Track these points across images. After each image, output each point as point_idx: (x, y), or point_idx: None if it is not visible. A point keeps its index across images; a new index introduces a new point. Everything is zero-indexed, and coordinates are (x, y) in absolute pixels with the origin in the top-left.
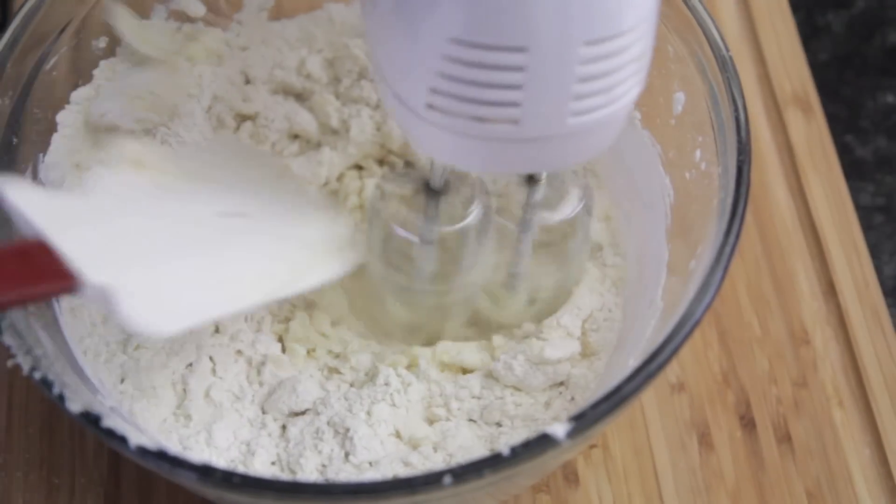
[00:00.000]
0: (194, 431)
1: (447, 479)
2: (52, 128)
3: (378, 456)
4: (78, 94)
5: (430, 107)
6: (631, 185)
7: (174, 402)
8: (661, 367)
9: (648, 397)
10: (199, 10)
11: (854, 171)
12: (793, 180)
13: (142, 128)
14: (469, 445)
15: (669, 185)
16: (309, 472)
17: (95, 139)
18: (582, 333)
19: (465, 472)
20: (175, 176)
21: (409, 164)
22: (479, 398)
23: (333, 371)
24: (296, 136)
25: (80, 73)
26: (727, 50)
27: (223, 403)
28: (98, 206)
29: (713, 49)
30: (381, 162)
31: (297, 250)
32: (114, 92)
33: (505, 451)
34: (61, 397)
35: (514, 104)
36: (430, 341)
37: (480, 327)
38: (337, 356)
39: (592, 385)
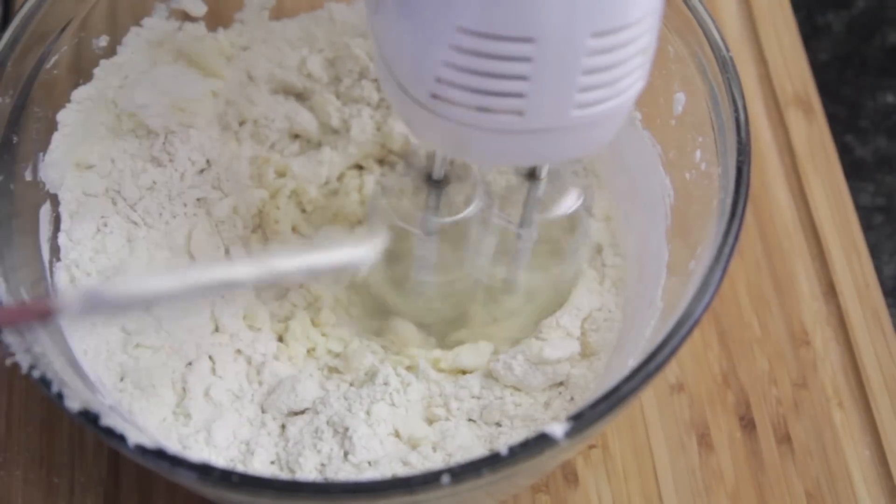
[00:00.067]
0: (194, 430)
1: (446, 479)
2: (52, 127)
3: (377, 455)
4: (78, 93)
5: (435, 97)
6: (631, 185)
7: (174, 401)
8: (660, 367)
9: (648, 397)
10: (199, 9)
11: (854, 171)
12: (793, 180)
13: (161, 127)
14: (468, 445)
15: (669, 186)
16: (308, 472)
17: (117, 123)
18: (581, 333)
19: (464, 472)
20: None
21: (409, 163)
22: (478, 398)
23: (333, 370)
24: (296, 136)
25: (81, 72)
26: (727, 50)
27: (223, 402)
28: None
29: (714, 49)
30: (381, 161)
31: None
32: (150, 84)
33: (503, 450)
34: (60, 396)
35: (519, 95)
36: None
37: (479, 326)
38: (337, 356)
39: (592, 385)
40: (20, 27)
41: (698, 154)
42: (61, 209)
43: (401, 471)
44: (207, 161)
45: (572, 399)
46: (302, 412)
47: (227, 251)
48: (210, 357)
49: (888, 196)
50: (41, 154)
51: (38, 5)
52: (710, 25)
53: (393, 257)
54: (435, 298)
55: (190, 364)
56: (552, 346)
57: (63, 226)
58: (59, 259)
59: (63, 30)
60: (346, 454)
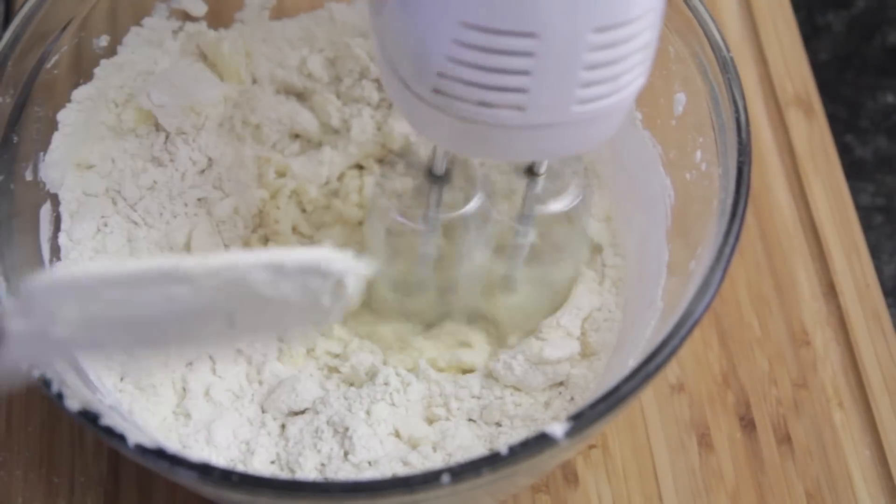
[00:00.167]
0: (194, 430)
1: (445, 479)
2: (52, 126)
3: (377, 455)
4: (79, 93)
5: (438, 92)
6: (632, 185)
7: (174, 401)
8: (660, 367)
9: (648, 398)
10: (200, 9)
11: (854, 171)
12: (793, 181)
13: (174, 128)
14: (468, 445)
15: (670, 186)
16: (308, 471)
17: (118, 123)
18: (581, 333)
19: (464, 472)
20: None
21: (409, 161)
22: (478, 398)
23: (333, 370)
24: (297, 136)
25: (81, 72)
26: (728, 50)
27: (223, 402)
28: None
29: (714, 50)
30: (381, 161)
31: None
32: (168, 85)
33: (503, 450)
34: (60, 395)
35: (521, 90)
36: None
37: (478, 324)
38: (336, 356)
39: (592, 385)
40: (21, 27)
41: (699, 154)
42: (62, 209)
43: (401, 470)
44: (209, 161)
45: (572, 399)
46: (302, 412)
47: (227, 251)
48: (210, 357)
49: (888, 196)
50: (41, 154)
51: (38, 5)
52: (711, 26)
53: (392, 255)
54: (434, 295)
55: (190, 364)
56: (552, 346)
57: (63, 226)
58: (59, 259)
59: (63, 29)
60: (346, 454)
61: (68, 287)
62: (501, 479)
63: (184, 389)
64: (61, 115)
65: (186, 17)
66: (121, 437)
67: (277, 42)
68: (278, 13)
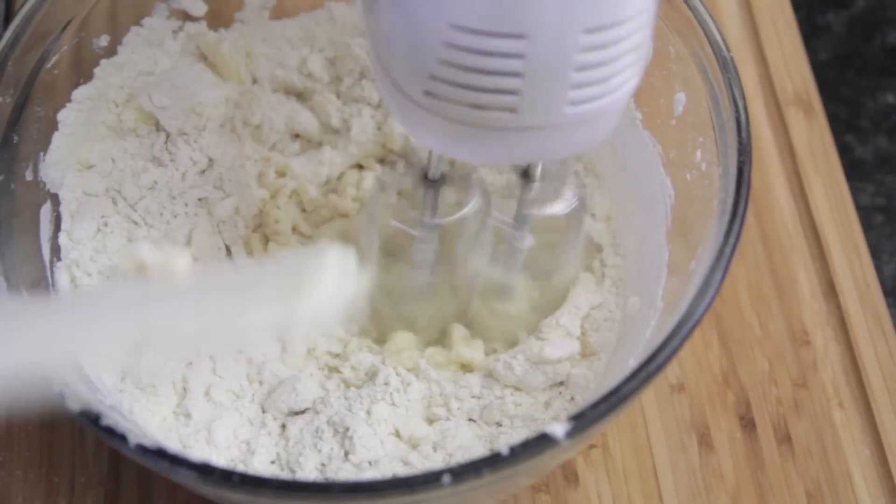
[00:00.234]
0: (194, 430)
1: (446, 479)
2: (53, 126)
3: (377, 455)
4: (79, 93)
5: (429, 94)
6: (631, 185)
7: (174, 401)
8: (660, 367)
9: (648, 397)
10: (200, 9)
11: (854, 171)
12: (793, 180)
13: (175, 129)
14: (469, 445)
15: (670, 186)
16: (308, 471)
17: (118, 123)
18: (582, 333)
19: (464, 472)
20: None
21: (409, 163)
22: (478, 398)
23: (333, 370)
24: (297, 136)
25: (81, 72)
26: (728, 50)
27: (223, 402)
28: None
29: (714, 49)
30: (381, 161)
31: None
32: (169, 86)
33: (504, 450)
34: (61, 395)
35: (512, 92)
36: (425, 336)
37: (477, 327)
38: (336, 356)
39: (592, 385)
40: (21, 27)
41: (699, 154)
42: (62, 209)
43: (401, 470)
44: (209, 161)
45: (573, 399)
46: (302, 412)
47: (227, 251)
48: (210, 357)
49: (888, 196)
50: (42, 154)
51: (38, 5)
52: (711, 25)
53: (388, 260)
54: (431, 299)
55: (190, 364)
56: (552, 346)
57: (64, 225)
58: (59, 259)
59: (63, 29)
60: (346, 454)
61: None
62: (502, 480)
63: (184, 389)
64: (61, 115)
65: (186, 17)
66: (122, 438)
67: (277, 42)
68: (278, 13)
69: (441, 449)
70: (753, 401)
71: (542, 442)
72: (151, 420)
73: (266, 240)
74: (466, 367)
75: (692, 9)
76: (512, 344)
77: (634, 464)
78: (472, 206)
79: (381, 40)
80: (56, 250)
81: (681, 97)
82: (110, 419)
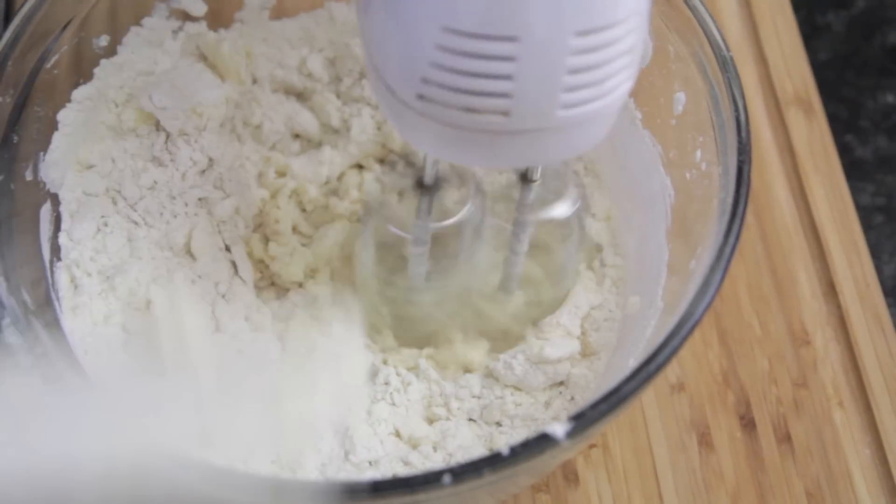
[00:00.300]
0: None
1: (446, 479)
2: (52, 126)
3: (378, 455)
4: (79, 93)
5: (421, 97)
6: (631, 185)
7: None
8: (660, 367)
9: (648, 397)
10: (199, 9)
11: (854, 171)
12: (793, 180)
13: (176, 129)
14: (469, 445)
15: (670, 185)
16: (309, 471)
17: (118, 123)
18: (582, 333)
19: (465, 472)
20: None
21: (409, 163)
22: (478, 398)
23: None
24: (297, 136)
25: (81, 72)
26: (728, 50)
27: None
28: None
29: (714, 49)
30: (381, 161)
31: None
32: (170, 86)
33: (504, 450)
34: None
35: (504, 95)
36: (424, 341)
37: (478, 330)
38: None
39: (592, 385)
40: (20, 27)
41: (699, 154)
42: (62, 209)
43: (401, 470)
44: (209, 161)
45: (573, 399)
46: None
47: (227, 251)
48: None
49: (888, 196)
50: (42, 154)
51: (38, 5)
52: (711, 25)
53: (387, 261)
54: (430, 301)
55: None
56: (552, 346)
57: (63, 225)
58: (59, 259)
59: (63, 29)
60: (346, 454)
61: None
62: (502, 480)
63: None
64: (61, 115)
65: (186, 17)
66: None
67: (277, 42)
68: (278, 13)
69: (441, 449)
70: (753, 400)
71: (542, 442)
72: None
73: (266, 240)
74: (467, 368)
75: (692, 8)
76: (512, 344)
77: (634, 463)
78: (469, 209)
79: (374, 44)
80: (56, 250)
81: (680, 97)
82: None
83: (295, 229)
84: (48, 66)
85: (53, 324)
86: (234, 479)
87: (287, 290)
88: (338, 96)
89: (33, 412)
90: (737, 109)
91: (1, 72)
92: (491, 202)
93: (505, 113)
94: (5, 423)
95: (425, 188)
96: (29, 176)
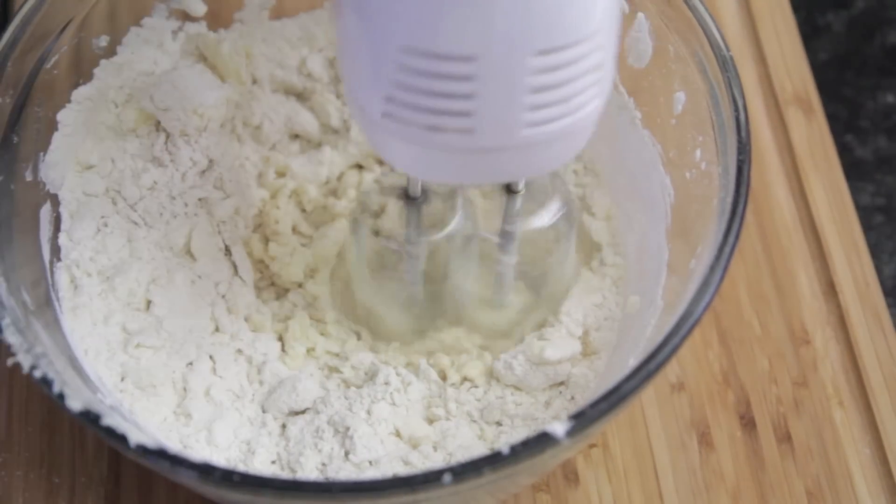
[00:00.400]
0: (194, 430)
1: (447, 478)
2: (52, 127)
3: (378, 455)
4: (79, 93)
5: (387, 115)
6: (631, 184)
7: (174, 401)
8: (660, 366)
9: (648, 397)
10: (199, 9)
11: (854, 171)
12: (793, 180)
13: (177, 130)
14: (469, 444)
15: (670, 185)
16: (309, 471)
17: (118, 123)
18: (583, 333)
19: (465, 471)
20: None
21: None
22: (479, 398)
23: (333, 370)
24: (296, 136)
25: (81, 72)
26: (728, 50)
27: (223, 402)
28: None
29: (714, 49)
30: (381, 161)
31: None
32: (171, 87)
33: (504, 449)
34: (61, 396)
35: (466, 114)
36: (420, 347)
37: (476, 333)
38: (336, 355)
39: (592, 384)
40: (20, 27)
41: (698, 153)
42: (62, 209)
43: (402, 470)
44: (209, 161)
45: (573, 398)
46: (303, 412)
47: (227, 251)
48: (210, 357)
49: (888, 196)
50: (41, 154)
51: (38, 5)
52: (711, 25)
53: (378, 271)
54: (425, 310)
55: (190, 364)
56: (553, 347)
57: (63, 226)
58: (59, 259)
59: (63, 30)
60: (346, 453)
61: None
62: (502, 479)
63: (184, 389)
64: (61, 115)
65: (186, 17)
66: (122, 438)
67: (277, 42)
68: (278, 13)
69: (441, 448)
70: (753, 400)
71: (542, 441)
72: (152, 420)
73: (266, 240)
74: (467, 376)
75: (691, 8)
76: (512, 344)
77: (635, 463)
78: (457, 221)
79: (342, 61)
80: (56, 250)
81: (680, 96)
82: (111, 419)
83: (295, 229)
84: (48, 66)
85: (53, 324)
86: (235, 479)
87: (287, 290)
88: (338, 96)
89: None
90: (736, 109)
91: (1, 72)
92: (478, 215)
93: (469, 131)
94: None
95: (412, 200)
96: (29, 176)
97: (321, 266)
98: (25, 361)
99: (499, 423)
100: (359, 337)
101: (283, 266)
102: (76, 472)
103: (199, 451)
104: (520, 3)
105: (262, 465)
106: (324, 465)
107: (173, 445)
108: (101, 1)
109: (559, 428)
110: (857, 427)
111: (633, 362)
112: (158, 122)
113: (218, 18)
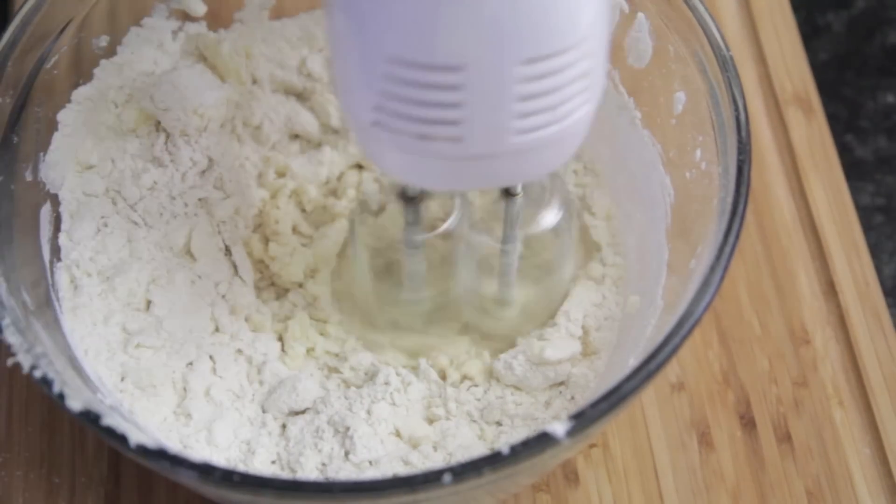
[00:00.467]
0: (194, 430)
1: (447, 478)
2: (52, 127)
3: (378, 455)
4: (79, 93)
5: (376, 124)
6: (631, 184)
7: (174, 401)
8: (660, 366)
9: (648, 397)
10: (199, 9)
11: (854, 171)
12: (793, 180)
13: (178, 130)
14: (469, 444)
15: (670, 185)
16: (309, 471)
17: (118, 123)
18: (583, 333)
19: (465, 471)
20: None
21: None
22: (478, 398)
23: (333, 370)
24: (296, 136)
25: (81, 72)
26: (728, 49)
27: (223, 402)
28: None
29: (714, 49)
30: None
31: None
32: (171, 87)
33: (504, 449)
34: (61, 395)
35: (455, 123)
36: (420, 349)
37: (476, 336)
38: (336, 355)
39: (592, 384)
40: (20, 27)
41: (698, 153)
42: (62, 209)
43: (402, 470)
44: (209, 161)
45: (573, 398)
46: (303, 412)
47: (227, 251)
48: (210, 357)
49: (888, 196)
50: (41, 154)
51: (38, 5)
52: (711, 25)
53: (380, 271)
54: (427, 309)
55: (190, 364)
56: (553, 347)
57: (63, 226)
58: (59, 259)
59: (63, 30)
60: (346, 453)
61: None
62: (502, 479)
63: (184, 389)
64: (61, 116)
65: (186, 17)
66: (122, 438)
67: (277, 42)
68: (278, 13)
69: (441, 448)
70: (753, 400)
71: (542, 441)
72: (152, 420)
73: (266, 240)
74: (466, 376)
75: (691, 8)
76: (512, 344)
77: (635, 463)
78: (454, 220)
79: (334, 71)
80: (56, 251)
81: (680, 96)
82: (111, 419)
83: (295, 229)
84: (48, 66)
85: (53, 324)
86: (235, 479)
87: (287, 290)
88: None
89: None
90: (736, 109)
91: (1, 72)
92: (479, 216)
93: (457, 139)
94: None
95: (409, 200)
96: (29, 176)
97: (321, 266)
98: (25, 361)
99: (499, 423)
100: (358, 339)
101: (283, 266)
102: (76, 472)
103: (199, 451)
104: (506, 12)
105: (262, 465)
106: (324, 465)
107: (173, 445)
108: (101, 1)
109: (559, 428)
110: (857, 427)
111: (633, 362)
112: (158, 122)
113: (218, 18)
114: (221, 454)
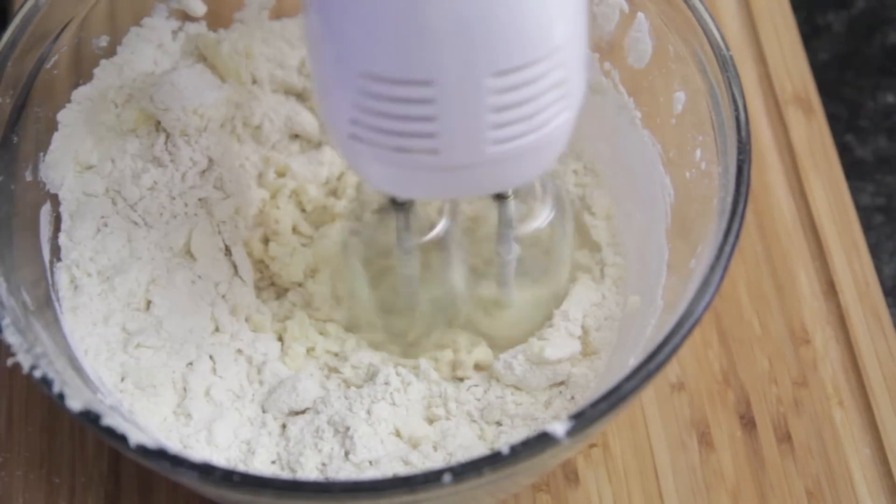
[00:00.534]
0: (194, 430)
1: (447, 478)
2: (52, 127)
3: (378, 455)
4: (79, 93)
5: (353, 137)
6: (631, 184)
7: (174, 401)
8: (660, 366)
9: (648, 396)
10: (199, 9)
11: (854, 171)
12: (793, 180)
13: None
14: (469, 444)
15: (670, 185)
16: (309, 471)
17: (118, 123)
18: (583, 333)
19: (465, 471)
20: None
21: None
22: (478, 398)
23: (333, 370)
24: (296, 136)
25: (81, 72)
26: (728, 49)
27: (223, 402)
28: None
29: (714, 48)
30: None
31: None
32: (173, 89)
33: (504, 449)
34: (61, 395)
35: (430, 135)
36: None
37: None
38: (336, 355)
39: (592, 384)
40: (20, 27)
41: (698, 153)
42: (62, 209)
43: (402, 470)
44: (209, 161)
45: (573, 398)
46: (303, 412)
47: (227, 251)
48: (210, 357)
49: (888, 196)
50: (41, 154)
51: (38, 5)
52: (710, 24)
53: (374, 278)
54: (424, 311)
55: (190, 364)
56: (553, 347)
57: (63, 226)
58: (59, 259)
59: (63, 30)
60: (346, 453)
61: None
62: (502, 479)
63: (184, 389)
64: (61, 115)
65: (186, 17)
66: (122, 438)
67: (277, 42)
68: (278, 13)
69: (441, 448)
70: (753, 400)
71: (542, 441)
72: (151, 420)
73: (266, 240)
74: (466, 376)
75: (691, 8)
76: (512, 344)
77: (635, 463)
78: (444, 224)
79: (314, 85)
80: (56, 251)
81: (680, 96)
82: (111, 419)
83: (295, 229)
84: (48, 66)
85: (53, 324)
86: (235, 479)
87: (287, 290)
88: None
89: None
90: (736, 109)
91: (1, 72)
92: (470, 220)
93: (434, 151)
94: None
95: (400, 206)
96: (29, 176)
97: (321, 266)
98: (25, 361)
99: (499, 423)
100: (357, 339)
101: (283, 266)
102: (76, 472)
103: (199, 451)
104: (474, 26)
105: (262, 465)
106: (324, 465)
107: (173, 445)
108: (101, 1)
109: (559, 428)
110: (857, 427)
111: (633, 362)
112: (158, 122)
113: (218, 18)
114: (221, 454)
